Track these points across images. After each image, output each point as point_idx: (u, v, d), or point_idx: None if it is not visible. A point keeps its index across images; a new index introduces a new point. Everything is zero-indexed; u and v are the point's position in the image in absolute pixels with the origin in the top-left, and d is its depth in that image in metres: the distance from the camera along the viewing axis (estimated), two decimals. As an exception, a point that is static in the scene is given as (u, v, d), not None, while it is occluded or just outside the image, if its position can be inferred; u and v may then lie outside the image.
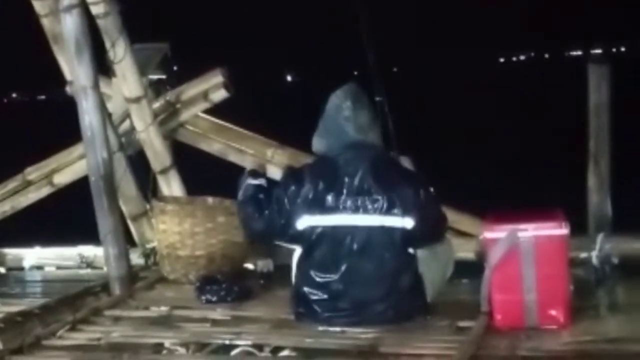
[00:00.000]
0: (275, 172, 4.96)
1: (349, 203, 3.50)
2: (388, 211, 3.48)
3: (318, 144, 3.67)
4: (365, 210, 3.49)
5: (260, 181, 3.68)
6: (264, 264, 4.48)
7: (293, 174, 3.65)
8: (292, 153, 4.95)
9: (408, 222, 3.50)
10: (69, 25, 4.20)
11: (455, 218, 4.47)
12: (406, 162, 3.71)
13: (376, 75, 3.84)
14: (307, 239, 3.56)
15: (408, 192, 3.50)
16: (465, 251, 4.30)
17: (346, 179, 3.51)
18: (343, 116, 3.60)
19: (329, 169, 3.56)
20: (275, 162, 5.04)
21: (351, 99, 3.62)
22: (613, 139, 4.42)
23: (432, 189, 3.58)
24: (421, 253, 3.63)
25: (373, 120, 3.65)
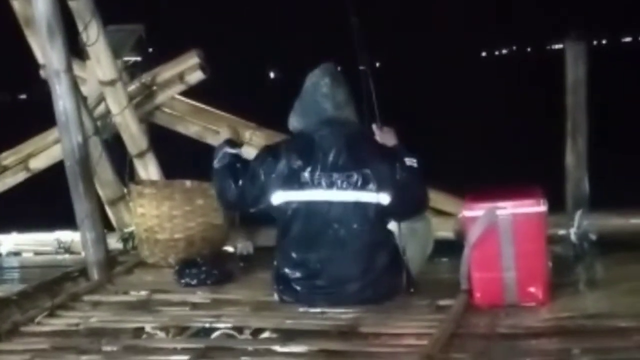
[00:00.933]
0: (253, 153, 4.98)
1: (323, 179, 3.50)
2: (363, 187, 3.48)
3: (295, 121, 3.68)
4: (340, 186, 3.49)
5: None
6: (244, 247, 4.47)
7: (269, 149, 3.68)
8: (270, 134, 4.92)
9: (384, 198, 3.50)
10: (41, 7, 4.13)
11: (434, 197, 4.45)
12: (389, 134, 3.71)
13: (359, 43, 3.82)
14: (283, 215, 3.56)
15: (383, 168, 3.50)
16: (444, 230, 4.31)
17: (321, 155, 3.52)
18: (321, 93, 3.61)
19: (304, 146, 3.56)
20: (254, 143, 5.02)
21: (329, 77, 3.64)
22: (590, 117, 4.43)
23: (414, 161, 3.57)
24: (400, 232, 3.64)
25: (349, 98, 3.66)
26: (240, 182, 3.58)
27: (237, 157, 3.66)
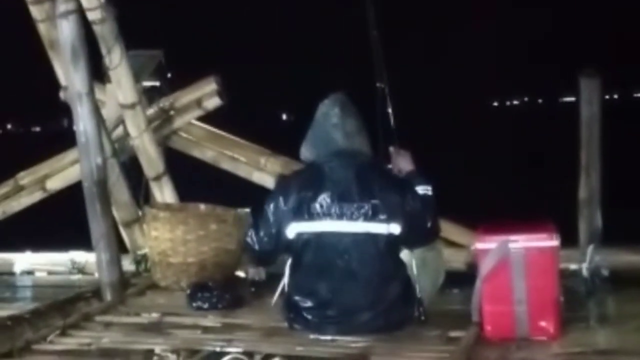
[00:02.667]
0: (267, 180, 5.03)
1: (334, 210, 3.52)
2: (373, 218, 3.50)
3: (306, 151, 3.71)
4: (350, 217, 3.51)
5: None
6: (256, 272, 4.48)
7: (278, 188, 3.74)
8: (285, 161, 4.97)
9: (394, 228, 3.52)
10: (66, 31, 4.22)
11: (447, 228, 4.48)
12: (406, 158, 3.73)
13: (378, 61, 3.84)
14: (295, 246, 3.59)
15: (394, 198, 3.52)
16: (456, 261, 4.32)
17: (331, 186, 3.54)
18: (331, 123, 3.64)
19: (315, 177, 3.59)
20: (268, 170, 5.07)
21: (339, 107, 3.66)
22: (604, 152, 4.45)
23: (429, 189, 3.60)
24: (411, 262, 3.65)
25: (360, 128, 3.68)
26: (259, 230, 3.64)
27: (254, 223, 3.71)
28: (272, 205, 3.61)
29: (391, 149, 3.77)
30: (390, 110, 3.83)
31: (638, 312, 3.79)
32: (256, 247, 3.66)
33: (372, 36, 3.87)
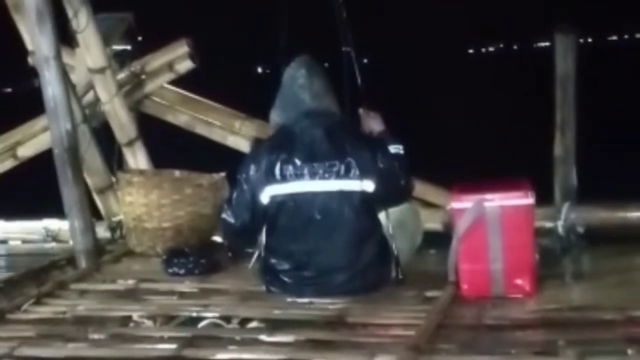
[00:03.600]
0: (242, 144, 4.98)
1: (306, 170, 3.50)
2: (345, 175, 3.48)
3: (275, 116, 3.69)
4: (323, 176, 3.49)
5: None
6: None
7: (249, 154, 3.70)
8: (260, 125, 4.91)
9: (368, 185, 3.50)
10: (30, -7, 4.11)
11: (423, 189, 4.49)
12: (376, 119, 3.71)
13: (343, 25, 3.81)
14: (269, 209, 3.56)
15: (365, 155, 3.51)
16: (433, 222, 4.31)
17: (302, 147, 3.52)
18: (298, 84, 3.62)
19: (285, 139, 3.57)
20: (243, 133, 5.03)
21: (305, 68, 3.65)
22: (579, 110, 4.44)
23: (400, 147, 3.58)
24: (389, 224, 3.65)
25: (328, 88, 3.66)
26: (235, 203, 3.59)
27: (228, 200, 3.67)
28: (244, 175, 3.58)
29: (360, 110, 3.75)
30: (357, 73, 3.80)
31: (613, 268, 3.83)
32: (233, 220, 3.60)
33: (335, 2, 3.82)
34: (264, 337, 3.11)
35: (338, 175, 3.49)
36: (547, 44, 4.51)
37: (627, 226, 4.34)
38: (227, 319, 3.30)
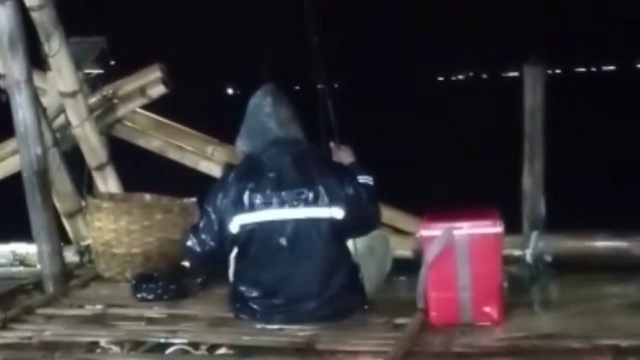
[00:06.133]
0: (214, 169, 4.98)
1: (274, 198, 3.51)
2: (314, 202, 3.49)
3: (242, 144, 3.70)
4: (292, 204, 3.50)
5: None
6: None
7: (217, 185, 3.68)
8: (232, 150, 4.89)
9: (337, 212, 3.51)
10: (2, 17, 4.10)
11: (393, 216, 4.52)
12: (346, 152, 3.74)
13: (319, 62, 3.86)
14: (239, 238, 3.56)
15: (333, 183, 3.52)
16: (403, 249, 4.33)
17: (270, 175, 3.53)
18: (264, 113, 3.64)
19: (253, 167, 3.58)
20: (215, 159, 5.03)
21: (271, 96, 3.67)
22: (547, 141, 4.50)
23: (369, 179, 3.60)
24: (359, 250, 3.66)
25: (294, 116, 3.69)
26: (201, 232, 3.57)
27: (194, 226, 3.65)
28: (211, 204, 3.58)
29: (331, 144, 3.77)
30: (330, 108, 3.84)
31: (580, 296, 3.86)
32: (198, 249, 3.59)
33: (313, 40, 3.87)
34: (232, 364, 3.09)
35: (307, 203, 3.50)
36: (516, 74, 4.58)
37: (594, 255, 4.39)
38: (196, 345, 3.29)
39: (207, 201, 3.61)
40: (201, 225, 3.60)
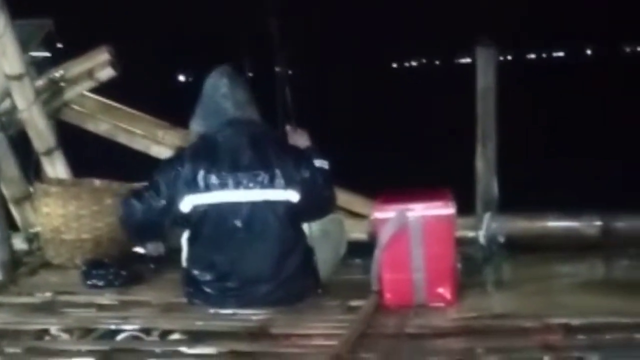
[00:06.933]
0: (166, 153, 4.90)
1: (230, 180, 3.46)
2: (270, 184, 3.46)
3: (197, 125, 3.65)
4: (247, 186, 3.46)
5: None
6: (154, 248, 4.34)
7: (172, 159, 3.63)
8: (184, 134, 4.84)
9: (292, 195, 3.48)
10: (-57, -3, 3.97)
11: (347, 199, 4.50)
12: (302, 136, 3.71)
13: (277, 44, 3.82)
14: (193, 219, 3.51)
15: (289, 165, 3.49)
16: (357, 231, 4.32)
17: (225, 156, 3.49)
18: (220, 94, 3.59)
19: (208, 148, 3.53)
20: (167, 143, 4.95)
21: (227, 77, 3.63)
22: (499, 122, 4.52)
23: (325, 163, 3.57)
24: (314, 234, 3.64)
25: (250, 98, 3.65)
26: (145, 199, 3.51)
27: (138, 191, 3.59)
28: (163, 177, 3.52)
29: (288, 127, 3.74)
30: (288, 91, 3.81)
31: (532, 276, 3.90)
32: (138, 215, 3.52)
33: (270, 22, 3.83)
34: (185, 349, 3.06)
35: (262, 185, 3.47)
36: (469, 60, 4.59)
37: (546, 235, 4.43)
38: (147, 331, 3.24)
39: (158, 173, 3.54)
40: (147, 194, 3.52)
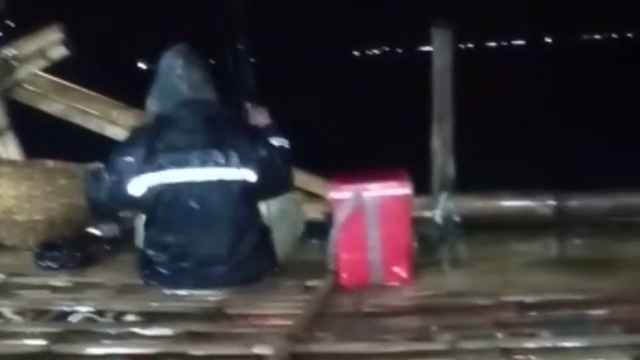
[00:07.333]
0: (121, 134, 4.84)
1: (184, 159, 3.43)
2: (225, 164, 3.43)
3: (152, 105, 3.62)
4: (202, 165, 3.43)
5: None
6: (109, 229, 4.32)
7: (127, 139, 3.62)
8: (139, 114, 4.78)
9: (248, 175, 3.46)
10: None
11: (305, 179, 4.50)
12: (262, 114, 3.68)
13: (238, 22, 3.79)
14: (147, 201, 3.48)
15: (245, 144, 3.47)
16: (314, 212, 4.32)
17: (180, 136, 3.46)
18: (175, 74, 3.56)
19: (163, 128, 3.50)
20: (122, 123, 4.89)
21: (183, 58, 3.59)
22: (455, 102, 4.55)
23: (285, 142, 3.57)
24: (271, 214, 3.63)
25: (206, 79, 3.62)
26: (101, 179, 3.50)
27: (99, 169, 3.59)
28: (119, 157, 3.48)
29: (248, 105, 3.72)
30: (247, 68, 3.78)
31: (487, 255, 3.96)
32: (94, 195, 3.54)
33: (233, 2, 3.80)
34: (139, 331, 3.03)
35: (217, 164, 3.44)
36: (431, 49, 4.60)
37: (501, 215, 4.49)
38: (102, 313, 3.20)
39: (114, 153, 3.52)
40: (104, 174, 3.50)
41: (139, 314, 3.20)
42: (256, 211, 3.57)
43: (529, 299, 3.15)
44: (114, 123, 4.93)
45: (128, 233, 4.23)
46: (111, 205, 3.59)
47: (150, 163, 3.44)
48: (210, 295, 3.36)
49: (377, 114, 13.22)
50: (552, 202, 4.42)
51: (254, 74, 3.79)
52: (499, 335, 2.79)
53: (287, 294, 3.40)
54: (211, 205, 3.44)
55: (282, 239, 3.68)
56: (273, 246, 3.61)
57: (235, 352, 2.75)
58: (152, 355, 2.79)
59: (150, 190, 3.46)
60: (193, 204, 3.43)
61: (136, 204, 3.51)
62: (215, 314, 3.17)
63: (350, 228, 3.48)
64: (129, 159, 3.46)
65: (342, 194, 3.51)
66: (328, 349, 2.77)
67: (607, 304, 3.01)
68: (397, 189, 3.49)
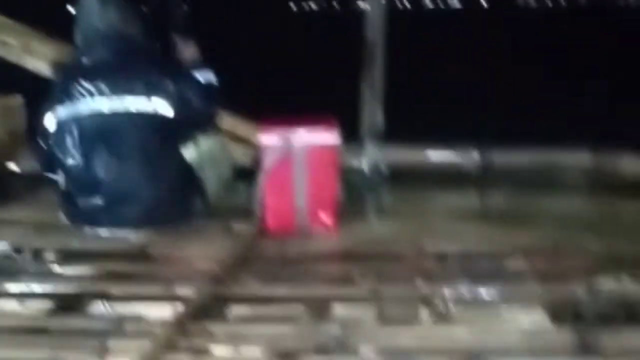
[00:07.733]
0: (41, 67, 4.67)
1: (91, 90, 3.36)
2: (143, 95, 3.35)
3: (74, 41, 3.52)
4: (118, 97, 3.35)
5: None
6: (30, 165, 4.20)
7: (52, 88, 3.52)
8: (61, 45, 4.62)
9: (163, 108, 3.38)
10: None
11: (233, 123, 4.45)
12: (191, 47, 3.60)
13: None
14: (60, 134, 3.40)
15: (164, 77, 3.39)
16: (242, 156, 4.29)
17: (96, 67, 3.39)
18: (92, 13, 3.47)
19: (78, 64, 3.44)
20: (41, 54, 4.71)
21: None
22: (386, 52, 4.53)
23: (212, 77, 3.52)
24: (199, 156, 3.58)
25: (127, 14, 3.51)
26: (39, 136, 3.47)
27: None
28: (48, 107, 3.44)
29: (176, 38, 3.62)
30: (178, 4, 3.68)
31: (412, 206, 4.00)
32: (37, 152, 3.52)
33: None
34: (60, 270, 2.97)
35: (124, 92, 3.35)
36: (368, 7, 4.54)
37: (428, 167, 4.54)
38: (19, 250, 3.13)
39: (46, 104, 3.45)
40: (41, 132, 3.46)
41: (59, 252, 3.13)
42: (176, 149, 3.49)
43: (449, 249, 3.21)
44: (33, 54, 4.74)
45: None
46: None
47: (61, 96, 3.38)
48: (132, 236, 3.31)
49: (310, 63, 13.12)
50: (477, 156, 4.49)
51: (184, 9, 3.69)
52: (420, 283, 2.84)
53: (212, 237, 3.38)
54: (129, 140, 3.35)
55: (209, 182, 3.64)
56: (198, 189, 3.57)
57: (157, 293, 2.73)
58: (73, 294, 2.75)
59: (62, 124, 3.38)
60: (109, 138, 3.35)
61: (50, 138, 3.42)
62: (137, 255, 3.14)
63: (278, 174, 3.47)
64: (50, 93, 3.40)
65: (270, 139, 3.49)
66: (251, 292, 2.78)
67: (523, 256, 3.09)
68: (326, 136, 3.49)
